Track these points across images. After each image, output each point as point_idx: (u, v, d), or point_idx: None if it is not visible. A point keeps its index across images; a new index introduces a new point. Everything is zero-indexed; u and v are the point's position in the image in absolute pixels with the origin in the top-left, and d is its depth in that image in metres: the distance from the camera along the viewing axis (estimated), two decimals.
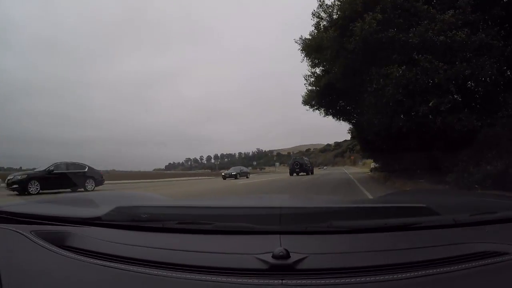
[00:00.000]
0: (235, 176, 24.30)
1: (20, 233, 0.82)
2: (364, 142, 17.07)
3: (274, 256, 0.63)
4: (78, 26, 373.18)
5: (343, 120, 15.75)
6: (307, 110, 14.64)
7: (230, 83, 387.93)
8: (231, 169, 27.96)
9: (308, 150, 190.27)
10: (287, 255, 0.63)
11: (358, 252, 0.72)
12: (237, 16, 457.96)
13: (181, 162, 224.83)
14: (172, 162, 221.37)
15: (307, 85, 14.13)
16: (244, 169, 29.54)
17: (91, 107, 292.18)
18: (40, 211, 1.03)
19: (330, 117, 14.89)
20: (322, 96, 13.28)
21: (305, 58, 12.34)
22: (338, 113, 14.87)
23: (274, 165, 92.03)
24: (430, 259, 0.65)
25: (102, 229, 0.89)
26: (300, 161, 28.50)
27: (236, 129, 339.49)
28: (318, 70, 13.22)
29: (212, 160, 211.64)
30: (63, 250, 0.74)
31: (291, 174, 26.64)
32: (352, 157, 76.81)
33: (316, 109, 14.57)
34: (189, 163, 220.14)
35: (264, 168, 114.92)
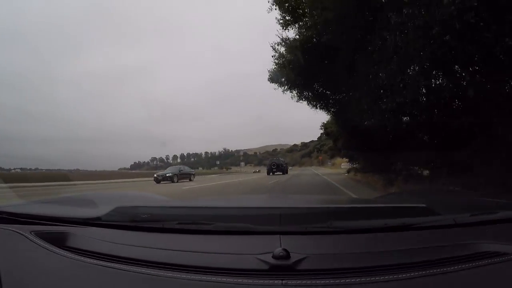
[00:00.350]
0: (171, 179, 17.66)
1: (20, 233, 0.81)
2: (346, 134, 13.35)
3: (274, 257, 0.64)
4: (42, 18, 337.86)
5: (321, 108, 11.75)
6: (275, 89, 10.45)
7: (198, 82, 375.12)
8: (168, 169, 20.32)
9: (275, 150, 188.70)
10: (287, 256, 0.64)
11: (358, 252, 0.71)
12: (206, 14, 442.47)
13: (146, 161, 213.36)
14: (137, 162, 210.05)
15: (275, 56, 9.99)
16: (186, 168, 21.33)
17: (55, 104, 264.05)
18: (40, 211, 1.02)
19: (305, 103, 10.79)
20: (296, 66, 8.04)
21: (274, 5, 7.44)
22: (316, 98, 10.86)
23: (239, 164, 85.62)
24: (431, 260, 0.65)
25: (102, 230, 0.88)
26: (277, 162, 31.57)
27: (203, 128, 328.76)
28: (292, 32, 9.04)
29: (178, 160, 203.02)
30: (63, 250, 0.74)
31: (268, 173, 28.81)
32: (320, 157, 75.11)
33: (288, 89, 10.52)
34: (154, 163, 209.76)
35: (230, 168, 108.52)
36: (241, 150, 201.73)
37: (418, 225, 0.82)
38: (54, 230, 0.86)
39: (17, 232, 0.82)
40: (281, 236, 0.76)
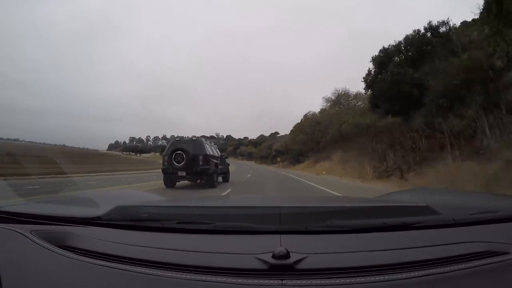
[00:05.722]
0: None
1: (20, 233, 0.81)
2: None
3: (274, 256, 0.64)
4: None
5: None
6: None
7: (192, 59, 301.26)
8: None
9: (275, 133, 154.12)
10: (287, 255, 0.64)
11: (358, 251, 0.71)
12: None
13: (124, 141, 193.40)
14: (117, 141, 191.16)
15: None
16: None
17: (28, 67, 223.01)
18: (40, 211, 1.02)
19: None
20: None
21: None
22: None
23: None
24: (431, 259, 0.65)
25: (102, 229, 0.88)
26: (186, 147, 9.99)
27: (196, 112, 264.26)
28: None
29: (160, 142, 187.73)
30: (63, 250, 0.74)
31: (166, 184, 10.13)
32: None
33: None
34: (134, 143, 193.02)
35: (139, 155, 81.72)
36: (237, 137, 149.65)
37: (418, 225, 0.82)
38: (54, 230, 0.87)
39: (17, 232, 0.82)
40: (281, 235, 0.76)
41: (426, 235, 0.79)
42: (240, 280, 0.61)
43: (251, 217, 0.87)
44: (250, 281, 0.60)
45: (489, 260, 0.65)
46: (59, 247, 0.75)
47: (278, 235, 0.76)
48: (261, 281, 0.60)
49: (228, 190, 9.18)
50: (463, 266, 0.63)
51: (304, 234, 0.80)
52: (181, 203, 1.36)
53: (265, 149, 66.68)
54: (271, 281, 0.60)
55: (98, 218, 0.90)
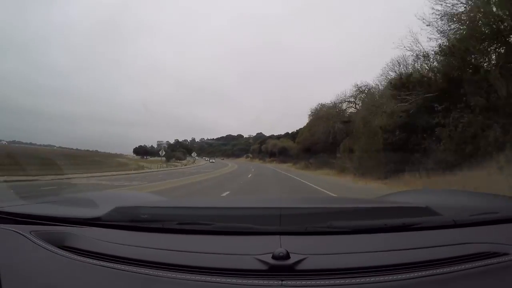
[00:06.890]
0: None
1: (20, 233, 0.81)
2: None
3: (274, 257, 0.64)
4: None
5: None
6: None
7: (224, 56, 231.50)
8: None
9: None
10: (287, 256, 0.64)
11: (358, 252, 0.71)
12: None
13: (151, 145, 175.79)
14: (143, 145, 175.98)
15: None
16: None
17: (53, 71, 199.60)
18: (39, 211, 1.01)
19: None
20: None
21: None
22: None
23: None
24: (430, 260, 0.65)
25: (101, 230, 0.88)
26: None
27: (228, 112, 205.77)
28: None
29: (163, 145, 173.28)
30: (62, 250, 0.74)
31: None
32: None
33: None
34: (162, 147, 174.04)
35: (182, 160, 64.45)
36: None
37: (418, 225, 0.82)
38: (54, 230, 0.87)
39: (17, 232, 0.82)
40: (281, 236, 0.76)
41: (426, 236, 0.79)
42: (240, 281, 0.60)
43: (251, 218, 0.87)
44: (250, 281, 0.60)
45: (489, 261, 0.65)
46: (59, 247, 0.75)
47: (278, 236, 0.76)
48: (261, 282, 0.60)
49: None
50: (463, 267, 0.63)
51: (304, 235, 0.80)
52: (181, 204, 1.36)
53: (323, 125, 25.22)
54: (271, 282, 0.60)
55: (98, 218, 0.90)
